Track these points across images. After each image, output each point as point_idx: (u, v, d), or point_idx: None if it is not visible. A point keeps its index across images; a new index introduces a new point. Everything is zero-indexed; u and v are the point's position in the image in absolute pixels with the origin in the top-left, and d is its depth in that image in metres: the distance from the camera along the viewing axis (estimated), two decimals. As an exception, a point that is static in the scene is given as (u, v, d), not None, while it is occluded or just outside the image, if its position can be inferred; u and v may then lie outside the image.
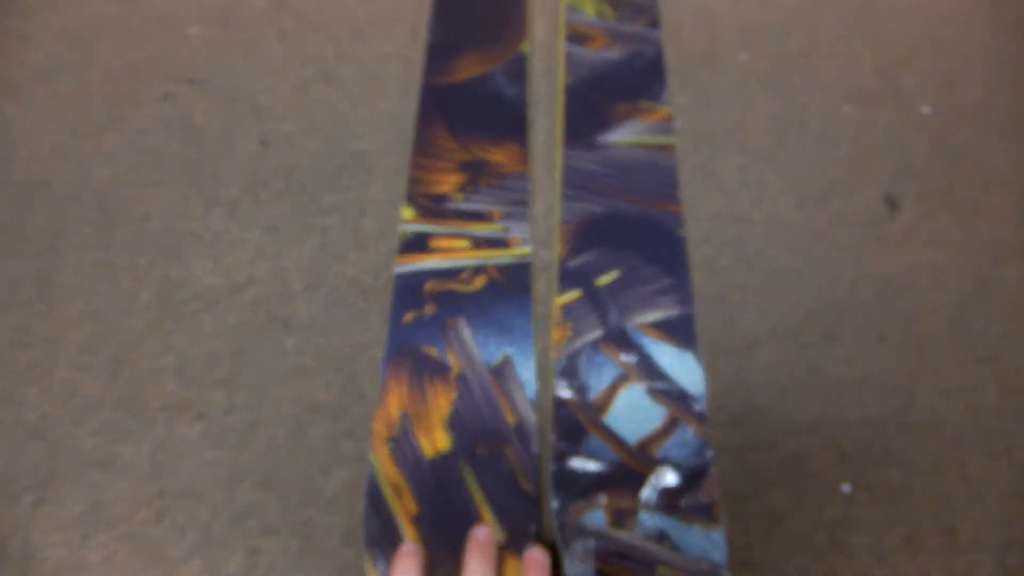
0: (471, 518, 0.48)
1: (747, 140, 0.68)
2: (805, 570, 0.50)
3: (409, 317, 0.56)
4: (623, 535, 0.48)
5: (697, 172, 0.66)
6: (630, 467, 0.51)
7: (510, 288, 0.58)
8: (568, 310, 0.57)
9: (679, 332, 0.56)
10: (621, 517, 0.49)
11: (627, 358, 0.55)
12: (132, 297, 0.58)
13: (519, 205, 0.62)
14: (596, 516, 0.49)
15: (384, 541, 0.47)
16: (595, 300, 0.57)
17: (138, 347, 0.56)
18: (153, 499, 0.51)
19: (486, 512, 0.49)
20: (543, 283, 0.60)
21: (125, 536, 0.49)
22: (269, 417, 0.53)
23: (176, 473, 0.51)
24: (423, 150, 0.64)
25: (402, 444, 0.51)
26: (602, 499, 0.49)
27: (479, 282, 0.58)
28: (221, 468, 0.52)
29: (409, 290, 0.57)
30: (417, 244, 0.59)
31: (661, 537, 0.48)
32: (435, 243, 0.59)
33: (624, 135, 0.66)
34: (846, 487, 0.53)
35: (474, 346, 0.55)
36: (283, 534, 0.50)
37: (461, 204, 0.61)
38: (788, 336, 0.59)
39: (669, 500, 0.50)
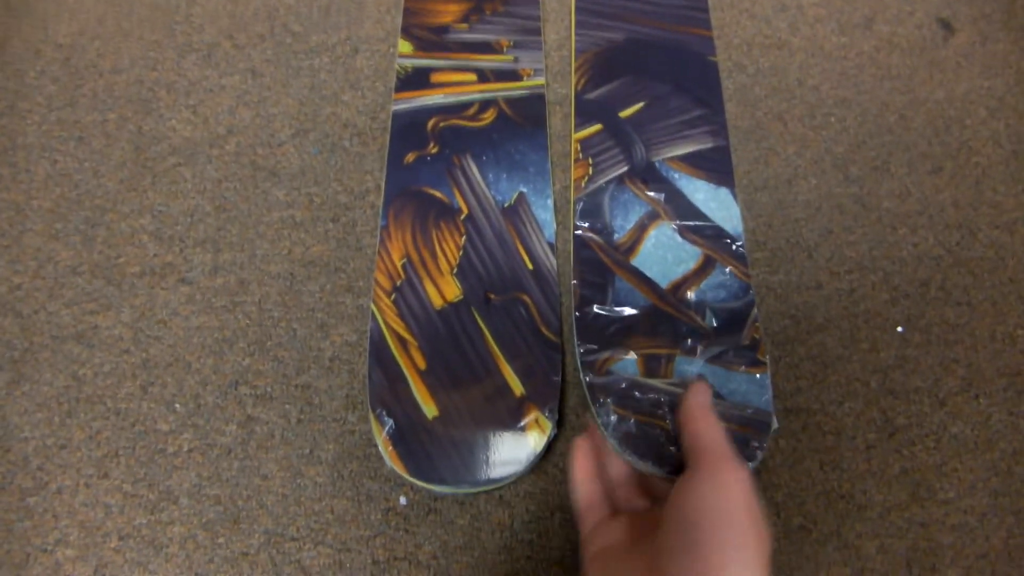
0: (487, 370, 0.40)
1: (781, -42, 0.57)
2: (858, 415, 0.42)
3: (410, 157, 0.47)
4: (658, 383, 0.40)
5: (726, -4, 0.55)
6: (663, 311, 0.42)
7: (523, 121, 0.48)
8: (588, 144, 0.47)
9: (713, 166, 0.47)
10: (655, 365, 0.41)
11: (656, 194, 0.46)
12: (103, 155, 0.49)
13: (530, 33, 0.51)
14: (627, 364, 0.41)
15: (391, 398, 0.40)
16: (618, 133, 0.48)
17: (112, 208, 0.47)
18: (137, 371, 0.43)
19: (503, 364, 0.41)
20: (558, 119, 0.50)
21: (109, 412, 0.42)
22: (259, 276, 0.45)
23: (160, 342, 0.44)
24: (419, -21, 0.54)
25: (407, 295, 0.43)
26: (633, 346, 0.41)
27: (488, 116, 0.48)
28: (209, 334, 0.44)
29: (409, 128, 0.48)
30: (417, 80, 0.49)
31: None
32: (437, 77, 0.49)
33: (643, -43, 0.55)
34: (900, 328, 0.45)
35: (484, 185, 0.46)
36: (279, 401, 0.42)
37: (464, 34, 0.51)
38: (833, 168, 0.49)
39: (708, 345, 0.41)
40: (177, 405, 0.42)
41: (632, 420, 0.38)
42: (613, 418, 0.38)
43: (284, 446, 0.41)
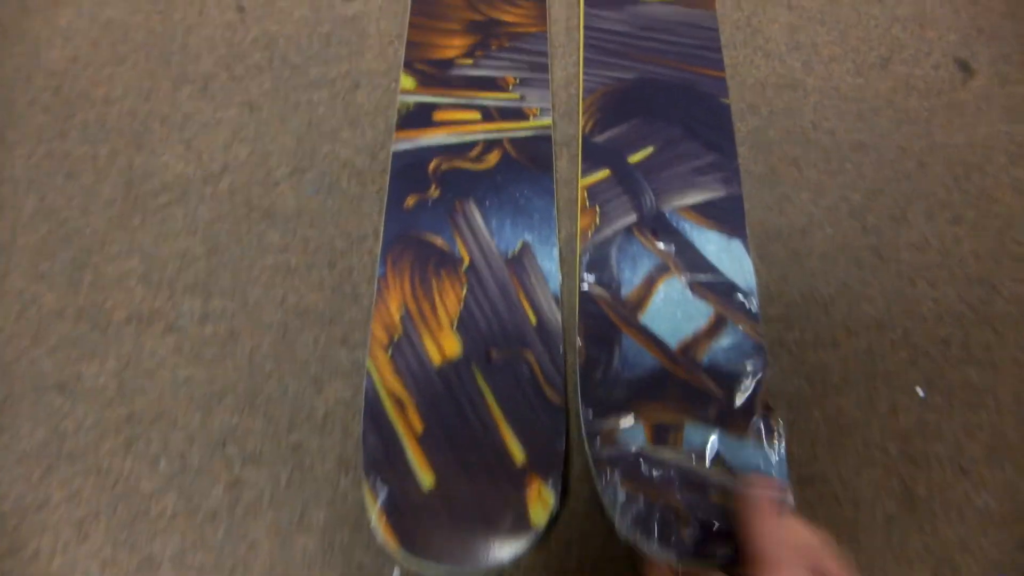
0: (487, 435, 0.37)
1: (797, -5, 0.54)
2: (876, 485, 0.39)
3: (410, 201, 0.43)
4: (667, 454, 0.37)
5: (740, 31, 0.52)
6: (672, 373, 0.39)
7: (528, 164, 0.45)
8: (595, 192, 0.44)
9: (725, 215, 0.44)
10: (664, 433, 0.37)
11: (665, 247, 0.43)
12: (92, 192, 0.46)
13: (537, 70, 0.48)
14: (635, 432, 0.37)
15: (385, 464, 0.37)
16: (627, 180, 0.45)
17: (100, 249, 0.44)
18: (121, 425, 0.40)
19: (505, 428, 0.38)
20: (565, 162, 0.47)
21: (91, 469, 0.39)
22: (250, 325, 0.42)
23: (146, 394, 0.41)
24: (424, 10, 0.50)
25: (404, 350, 0.39)
26: (641, 411, 0.38)
27: (492, 158, 0.45)
28: (197, 387, 0.41)
29: (410, 169, 0.44)
30: (419, 117, 0.46)
31: (712, 456, 0.37)
32: (440, 115, 0.46)
33: (655, -8, 0.52)
34: (920, 390, 0.42)
35: (487, 233, 0.43)
36: (269, 461, 0.39)
37: (469, 70, 0.48)
38: (850, 217, 0.46)
39: (719, 411, 0.38)
40: (162, 463, 0.39)
41: (641, 499, 0.35)
42: (621, 498, 0.35)
43: (273, 511, 0.38)
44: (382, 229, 0.43)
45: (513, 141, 0.46)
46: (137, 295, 0.43)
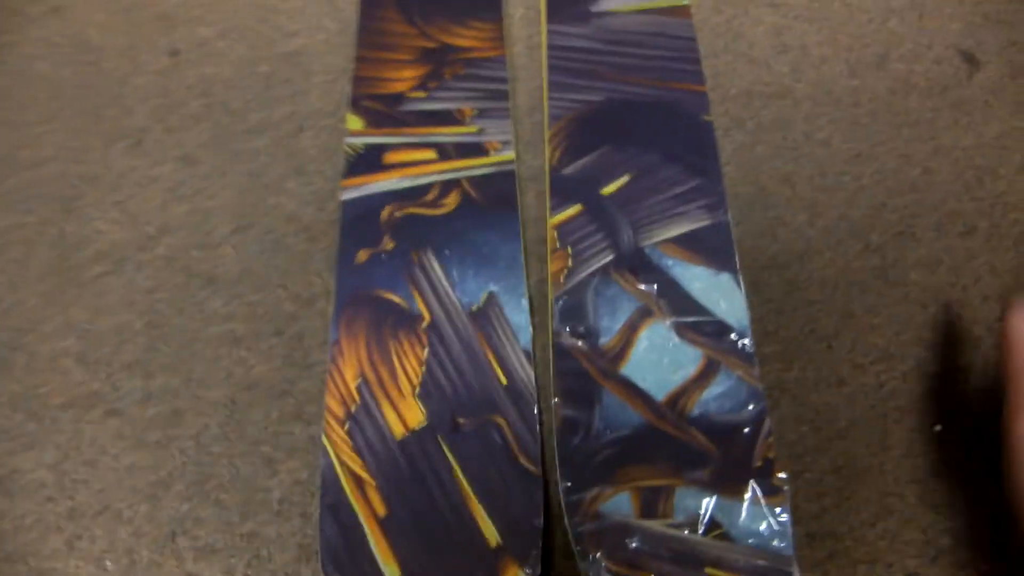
0: (456, 515, 0.34)
1: (779, -7, 0.49)
2: (893, 538, 0.36)
3: (363, 256, 0.40)
4: (656, 526, 0.33)
5: (720, 38, 0.48)
6: (659, 430, 0.35)
7: (490, 206, 0.41)
8: (566, 231, 0.40)
9: (712, 247, 0.40)
10: (654, 501, 0.34)
11: (647, 287, 0.39)
12: (22, 266, 0.42)
13: (496, 99, 0.44)
14: (619, 501, 0.34)
15: (346, 557, 0.33)
16: (601, 215, 0.41)
17: (33, 329, 0.41)
18: (63, 522, 0.37)
19: (475, 506, 0.34)
20: (532, 198, 0.43)
21: (32, 573, 0.36)
22: (195, 404, 0.38)
23: (88, 486, 0.37)
24: (372, 41, 0.47)
25: (363, 423, 0.36)
26: (626, 477, 0.34)
27: (450, 201, 0.41)
28: (142, 475, 0.37)
29: (361, 220, 0.41)
30: (368, 161, 0.42)
31: (707, 523, 0.33)
32: (391, 157, 0.42)
33: None
34: (938, 426, 0.38)
35: (448, 286, 0.39)
36: (223, 554, 0.36)
37: (422, 103, 0.44)
38: (851, 237, 0.42)
39: (713, 470, 0.34)
40: (108, 563, 0.36)
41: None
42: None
43: (228, 611, 0.34)
44: (334, 288, 0.39)
45: (472, 180, 0.42)
46: (74, 377, 0.39)
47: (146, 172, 0.44)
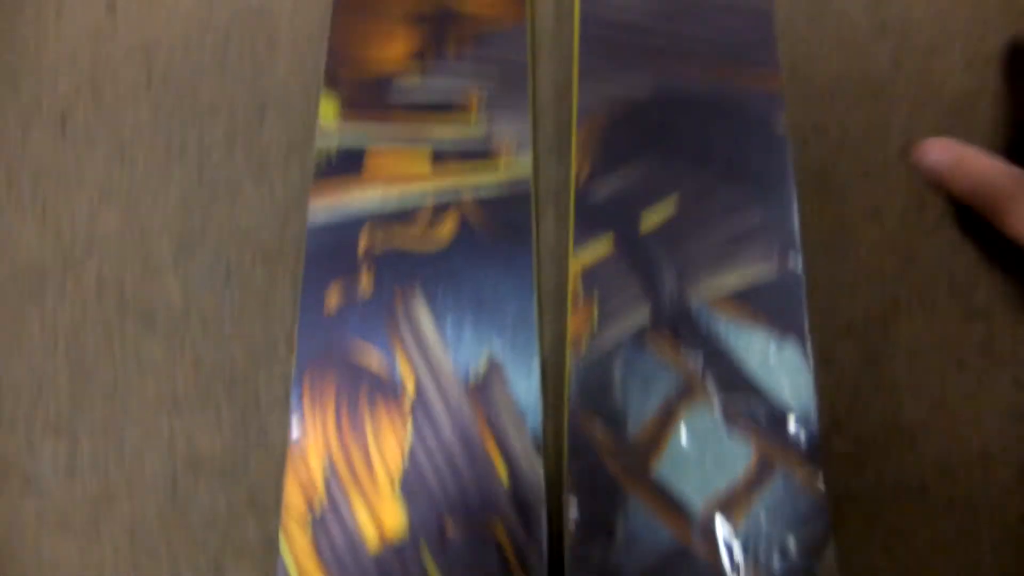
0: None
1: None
2: None
3: (333, 299, 0.31)
4: None
5: (801, 14, 0.37)
6: (694, 553, 0.28)
7: (497, 237, 0.32)
8: (593, 276, 0.31)
9: (776, 304, 0.31)
10: (684, 647, 0.27)
11: (692, 358, 0.30)
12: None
13: (511, 85, 0.34)
14: (642, 647, 0.27)
15: None
16: (637, 255, 0.32)
17: (-66, 369, 0.33)
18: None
19: (464, 642, 0.27)
20: (550, 224, 0.34)
21: None
22: (129, 482, 0.31)
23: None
24: (351, 2, 0.36)
25: (329, 525, 0.29)
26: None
27: (446, 230, 0.32)
28: (66, 572, 0.30)
29: (331, 250, 0.32)
30: (345, 163, 0.33)
31: None
32: (373, 162, 0.33)
33: (682, -45, 0.36)
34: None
35: (440, 344, 0.31)
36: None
37: (415, 87, 0.34)
38: (950, 296, 0.33)
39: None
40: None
41: None
42: None
43: None
44: (295, 342, 0.31)
45: (477, 201, 0.32)
46: (-18, 431, 0.32)
47: (72, 166, 0.35)
